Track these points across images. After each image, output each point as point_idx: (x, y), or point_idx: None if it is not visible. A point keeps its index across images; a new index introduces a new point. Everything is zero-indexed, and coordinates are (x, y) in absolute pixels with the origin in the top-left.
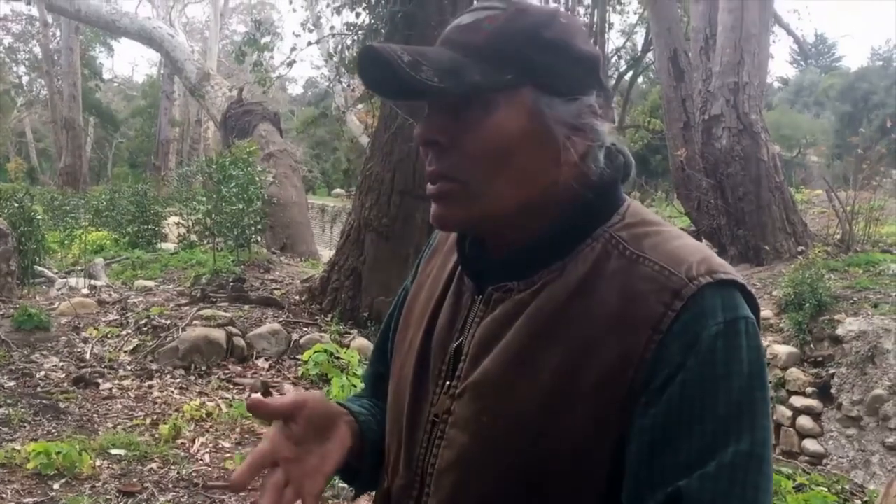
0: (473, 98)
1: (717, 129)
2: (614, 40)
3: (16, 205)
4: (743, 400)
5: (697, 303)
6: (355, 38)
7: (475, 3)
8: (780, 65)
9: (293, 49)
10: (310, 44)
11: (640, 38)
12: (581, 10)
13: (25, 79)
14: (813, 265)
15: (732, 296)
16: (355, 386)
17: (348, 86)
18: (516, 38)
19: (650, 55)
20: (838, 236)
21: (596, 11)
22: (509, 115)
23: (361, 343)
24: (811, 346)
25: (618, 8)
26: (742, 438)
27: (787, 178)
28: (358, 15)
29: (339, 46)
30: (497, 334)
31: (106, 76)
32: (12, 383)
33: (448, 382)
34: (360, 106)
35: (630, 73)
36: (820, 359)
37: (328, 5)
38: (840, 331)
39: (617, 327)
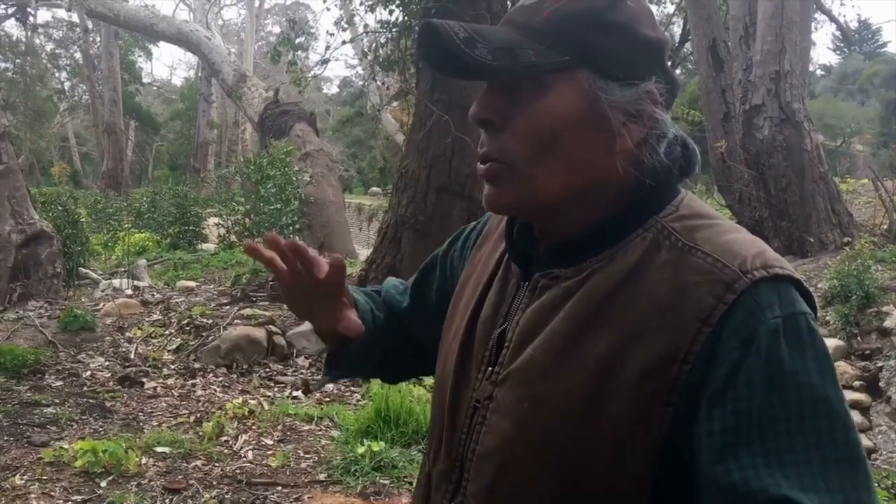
0: (528, 78)
1: (759, 119)
2: None
3: (60, 208)
4: (817, 398)
5: (752, 297)
6: (389, 35)
7: None
8: (823, 52)
9: (327, 48)
10: (344, 42)
11: (677, 29)
12: None
13: (67, 84)
14: (859, 256)
15: (789, 291)
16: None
17: (383, 84)
18: (576, 19)
19: (688, 45)
20: (885, 226)
21: None
22: (563, 97)
23: None
24: (858, 338)
25: None
26: (827, 443)
27: (831, 168)
28: (391, 12)
29: (374, 44)
30: (542, 321)
31: (145, 80)
32: (60, 383)
33: (490, 368)
34: (394, 104)
35: (668, 64)
36: (868, 352)
37: (361, 3)
38: (888, 323)
39: (665, 318)
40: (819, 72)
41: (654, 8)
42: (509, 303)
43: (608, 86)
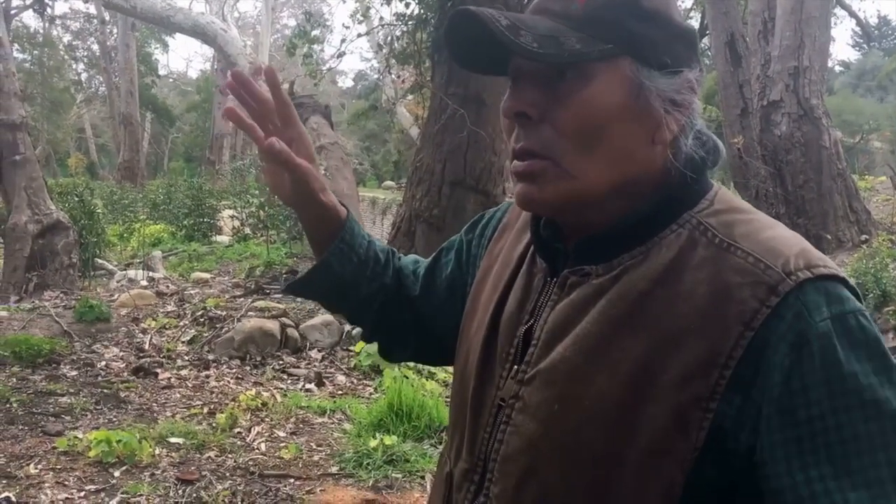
0: (569, 68)
1: (777, 115)
2: None
3: (77, 199)
4: (878, 401)
5: (798, 299)
6: (405, 28)
7: None
8: (842, 48)
9: (343, 41)
10: (359, 35)
11: (695, 23)
12: None
13: (84, 76)
14: (877, 254)
15: (835, 290)
16: (407, 377)
17: (398, 77)
18: (616, 6)
19: (706, 40)
20: None
21: None
22: (607, 86)
23: None
24: None
25: None
26: (888, 445)
27: (849, 165)
28: (407, 5)
29: (389, 38)
30: (572, 319)
31: (161, 72)
32: (74, 373)
33: (516, 366)
34: (409, 97)
35: None
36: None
37: None
38: None
39: (705, 320)
40: (838, 68)
41: None
42: (535, 299)
43: (652, 74)
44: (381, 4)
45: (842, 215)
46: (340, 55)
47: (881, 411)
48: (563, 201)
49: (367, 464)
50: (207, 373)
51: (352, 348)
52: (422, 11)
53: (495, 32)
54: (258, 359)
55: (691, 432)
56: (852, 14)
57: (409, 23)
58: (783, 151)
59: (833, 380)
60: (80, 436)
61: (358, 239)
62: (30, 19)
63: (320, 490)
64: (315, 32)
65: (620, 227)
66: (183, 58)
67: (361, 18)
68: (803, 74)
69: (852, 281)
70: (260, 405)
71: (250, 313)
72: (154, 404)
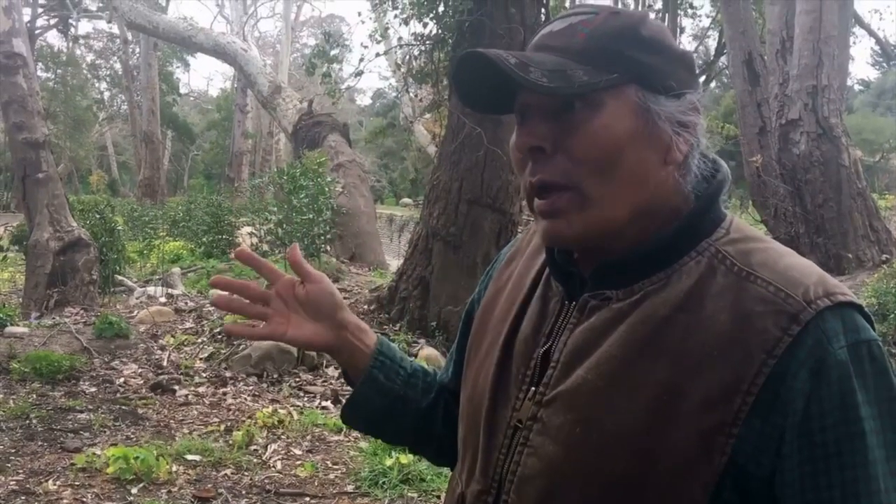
0: (578, 99)
1: (795, 133)
2: (686, 44)
3: (98, 216)
4: (889, 427)
5: (818, 327)
6: (423, 48)
7: (562, 10)
8: (861, 66)
9: (361, 60)
10: (378, 55)
11: (712, 42)
12: (652, 15)
13: (107, 94)
14: None
15: (852, 318)
16: None
17: (416, 96)
18: (616, 37)
19: (723, 59)
20: None
21: (667, 15)
22: (617, 113)
23: (429, 352)
24: None
25: (689, 11)
26: (894, 473)
27: (869, 184)
28: (425, 25)
29: (407, 57)
30: (593, 343)
31: (182, 91)
32: (93, 389)
33: (534, 388)
34: (427, 115)
35: (703, 78)
36: None
37: (396, 16)
38: None
39: (727, 348)
40: (857, 86)
41: (688, 21)
42: (552, 322)
43: (657, 98)
44: (400, 25)
45: (862, 234)
46: (359, 74)
47: (865, 443)
48: (591, 232)
49: (383, 483)
50: (224, 390)
51: None
52: (440, 31)
53: (506, 70)
54: (275, 376)
55: (714, 457)
56: (871, 33)
57: (427, 42)
58: (802, 170)
59: (848, 407)
60: (99, 452)
61: (398, 354)
62: (54, 38)
63: None
64: (334, 52)
65: (641, 252)
66: (204, 76)
67: (380, 38)
68: (822, 93)
69: (867, 308)
70: (276, 423)
71: None
72: (171, 421)
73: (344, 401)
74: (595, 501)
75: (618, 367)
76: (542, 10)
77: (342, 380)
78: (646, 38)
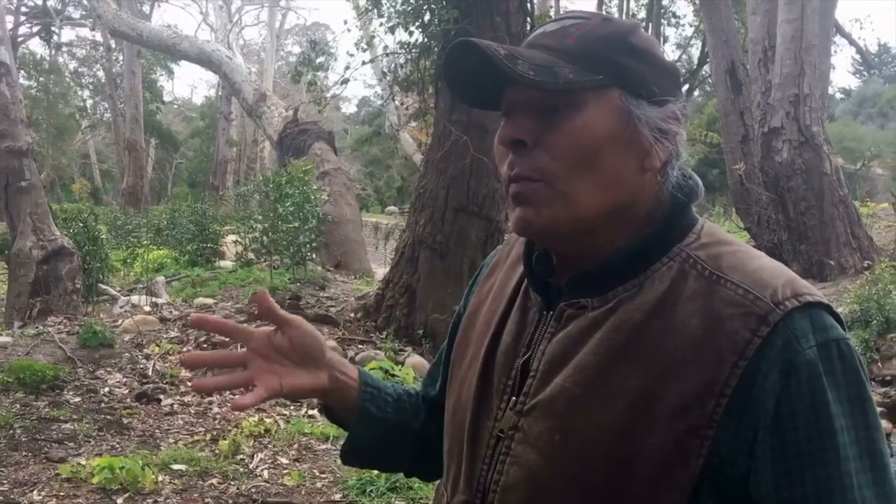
0: (562, 97)
1: (778, 141)
2: (670, 53)
3: (81, 225)
4: (859, 425)
5: (787, 328)
6: (409, 56)
7: (547, 19)
8: (842, 75)
9: (347, 68)
10: (364, 63)
11: (695, 51)
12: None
13: (90, 102)
14: (879, 280)
15: (820, 317)
16: None
17: (402, 104)
18: (605, 41)
19: (706, 68)
20: None
21: (651, 25)
22: (598, 114)
23: (416, 360)
24: (879, 364)
25: (673, 21)
26: (865, 470)
27: (851, 192)
28: (411, 34)
29: (392, 65)
30: (570, 351)
31: (166, 98)
32: (77, 399)
33: (514, 398)
34: (413, 123)
35: (686, 87)
36: (889, 378)
37: (381, 24)
38: None
39: (699, 352)
40: (838, 95)
41: (671, 30)
42: (531, 332)
43: (640, 104)
44: (385, 33)
45: (844, 242)
46: (345, 82)
47: (858, 437)
48: (559, 223)
49: (371, 491)
50: (210, 399)
51: None
52: (426, 40)
53: (494, 60)
54: None
55: (690, 460)
56: (852, 42)
57: (414, 51)
58: (784, 178)
59: (819, 405)
60: (83, 462)
61: (380, 381)
62: (36, 46)
63: None
64: (320, 60)
65: (613, 260)
66: (188, 84)
67: (366, 47)
68: (804, 102)
69: (850, 314)
70: (263, 431)
71: None
72: (157, 431)
73: (342, 443)
74: None
75: (594, 374)
76: (528, 20)
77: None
78: (634, 46)
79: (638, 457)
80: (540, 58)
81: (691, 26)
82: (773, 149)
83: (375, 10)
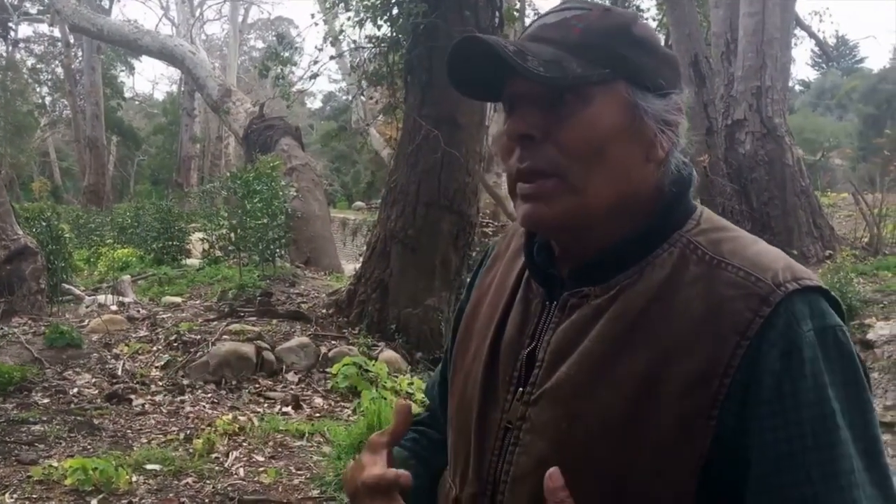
0: (569, 91)
1: (741, 133)
2: None
3: (44, 224)
4: (854, 409)
5: (788, 309)
6: (377, 50)
7: (514, 14)
8: (802, 68)
9: (314, 62)
10: (332, 57)
11: None
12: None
13: (48, 99)
14: (841, 269)
15: (818, 302)
16: (385, 398)
17: (370, 98)
18: (609, 33)
19: None
20: (866, 239)
21: None
22: (605, 107)
23: (389, 355)
24: None
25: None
26: (861, 453)
27: (812, 182)
28: (380, 28)
29: (360, 59)
30: (574, 340)
31: (127, 95)
32: (46, 400)
33: (521, 389)
34: (381, 118)
35: None
36: None
37: (349, 19)
38: (871, 335)
39: (702, 334)
40: (798, 87)
41: None
42: (535, 323)
43: (645, 96)
44: (353, 27)
45: (806, 231)
46: (314, 77)
47: (856, 420)
48: (569, 218)
49: None
50: (182, 398)
51: (328, 370)
52: (395, 34)
53: (504, 57)
54: (234, 383)
55: (698, 441)
56: (812, 35)
57: (382, 45)
58: (748, 169)
59: (820, 387)
60: (55, 464)
61: (409, 460)
62: None
63: None
64: (286, 54)
65: (615, 248)
66: (149, 80)
67: (333, 41)
68: (766, 94)
69: (834, 293)
70: (237, 430)
71: (225, 337)
72: (129, 431)
73: None
74: (586, 494)
75: (599, 361)
76: (497, 14)
77: (302, 385)
78: (638, 38)
79: (645, 441)
80: (548, 52)
81: (654, 20)
82: (737, 140)
83: (342, 4)
